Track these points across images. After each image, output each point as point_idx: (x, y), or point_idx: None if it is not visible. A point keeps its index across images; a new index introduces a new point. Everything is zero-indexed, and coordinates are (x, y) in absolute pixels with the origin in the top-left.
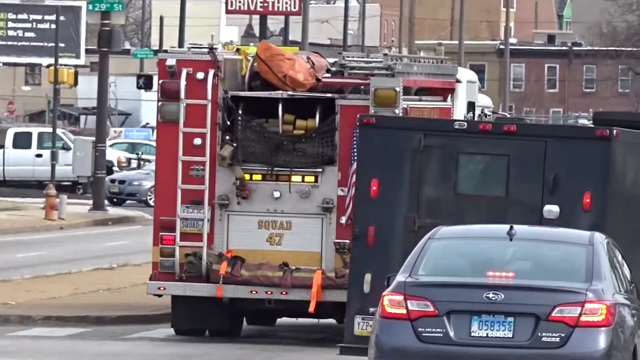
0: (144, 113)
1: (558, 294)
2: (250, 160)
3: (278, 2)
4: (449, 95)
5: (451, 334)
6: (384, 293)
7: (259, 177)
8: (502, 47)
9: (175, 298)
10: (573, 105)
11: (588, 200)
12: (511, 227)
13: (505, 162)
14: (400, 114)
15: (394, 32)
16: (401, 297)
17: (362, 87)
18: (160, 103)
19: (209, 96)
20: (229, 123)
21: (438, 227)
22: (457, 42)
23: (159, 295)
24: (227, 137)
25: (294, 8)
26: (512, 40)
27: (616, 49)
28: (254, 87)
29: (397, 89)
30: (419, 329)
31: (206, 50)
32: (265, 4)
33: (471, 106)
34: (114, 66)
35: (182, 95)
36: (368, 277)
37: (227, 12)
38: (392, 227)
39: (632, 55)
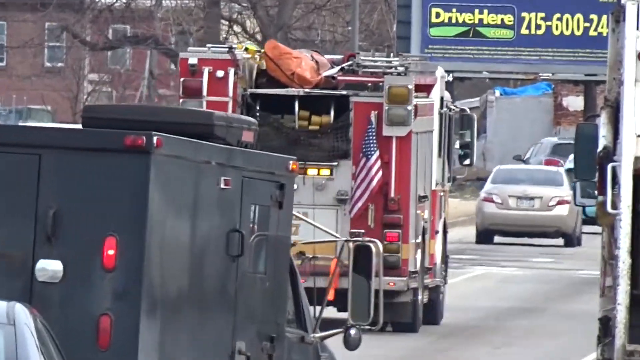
0: None
1: None
2: None
3: None
4: (430, 91)
5: None
6: None
7: None
8: None
9: None
10: None
11: (112, 252)
12: None
13: None
14: (412, 111)
15: None
16: None
17: (370, 84)
18: (181, 100)
19: (230, 93)
20: None
21: None
22: None
23: None
24: None
25: None
26: None
27: None
28: (259, 85)
29: (410, 86)
30: None
31: (226, 49)
32: None
33: (442, 101)
34: None
35: (204, 92)
36: None
37: None
38: None
39: (67, 5)
